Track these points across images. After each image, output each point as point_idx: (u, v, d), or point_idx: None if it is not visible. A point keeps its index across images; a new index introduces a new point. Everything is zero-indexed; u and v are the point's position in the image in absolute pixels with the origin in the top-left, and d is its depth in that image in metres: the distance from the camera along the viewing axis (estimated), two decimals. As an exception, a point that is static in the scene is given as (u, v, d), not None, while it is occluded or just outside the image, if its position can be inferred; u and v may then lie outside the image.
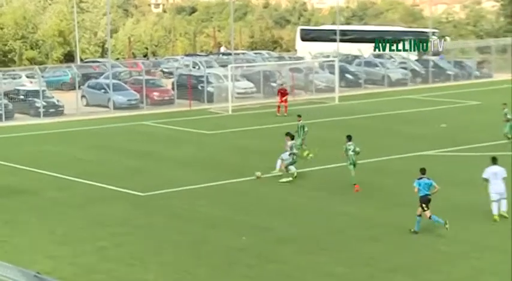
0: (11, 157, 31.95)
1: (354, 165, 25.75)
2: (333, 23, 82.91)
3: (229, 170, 28.78)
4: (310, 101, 49.52)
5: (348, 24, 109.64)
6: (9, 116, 42.67)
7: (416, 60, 62.69)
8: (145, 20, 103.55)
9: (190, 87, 47.63)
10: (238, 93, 49.65)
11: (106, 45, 78.32)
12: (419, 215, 20.73)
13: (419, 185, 20.66)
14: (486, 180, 21.98)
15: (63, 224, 22.06)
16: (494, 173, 21.88)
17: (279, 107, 42.23)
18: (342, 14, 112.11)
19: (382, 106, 47.16)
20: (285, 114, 41.66)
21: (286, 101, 42.09)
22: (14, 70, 58.70)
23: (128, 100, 46.72)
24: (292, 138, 27.33)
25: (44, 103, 43.82)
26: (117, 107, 45.97)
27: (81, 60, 73.24)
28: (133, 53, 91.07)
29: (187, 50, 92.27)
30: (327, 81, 53.99)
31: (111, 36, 66.56)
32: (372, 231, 21.29)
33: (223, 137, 35.49)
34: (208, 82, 49.35)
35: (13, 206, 24.13)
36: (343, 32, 67.48)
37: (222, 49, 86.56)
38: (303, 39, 76.51)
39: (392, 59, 62.76)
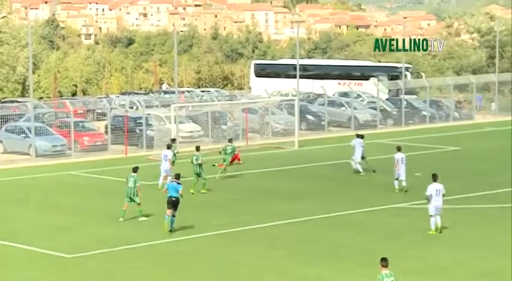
0: None
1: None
2: (292, 57, 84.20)
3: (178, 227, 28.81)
4: (265, 146, 49.87)
5: (310, 58, 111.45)
6: None
7: (387, 99, 63.66)
8: (74, 53, 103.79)
9: (127, 131, 47.72)
10: (182, 137, 49.83)
11: (27, 83, 78.22)
12: (174, 216, 27.66)
13: (168, 187, 28.17)
14: (428, 197, 27.41)
15: (-25, 293, 21.88)
16: (437, 190, 27.48)
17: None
18: (302, 46, 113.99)
19: (348, 152, 47.69)
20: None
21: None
22: None
23: (53, 146, 46.57)
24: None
25: (-47, 150, 43.46)
26: (40, 155, 45.75)
27: (-2, 99, 72.81)
28: (59, 92, 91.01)
29: (123, 87, 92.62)
30: (285, 123, 54.56)
31: (33, 72, 66.45)
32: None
33: (164, 189, 35.41)
34: (148, 125, 49.50)
35: None
36: (304, 67, 68.41)
37: (164, 87, 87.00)
38: (258, 75, 77.34)
39: (360, 98, 63.60)
